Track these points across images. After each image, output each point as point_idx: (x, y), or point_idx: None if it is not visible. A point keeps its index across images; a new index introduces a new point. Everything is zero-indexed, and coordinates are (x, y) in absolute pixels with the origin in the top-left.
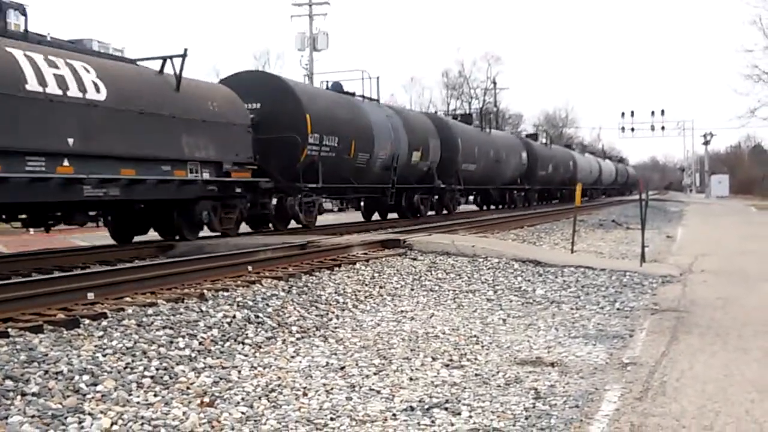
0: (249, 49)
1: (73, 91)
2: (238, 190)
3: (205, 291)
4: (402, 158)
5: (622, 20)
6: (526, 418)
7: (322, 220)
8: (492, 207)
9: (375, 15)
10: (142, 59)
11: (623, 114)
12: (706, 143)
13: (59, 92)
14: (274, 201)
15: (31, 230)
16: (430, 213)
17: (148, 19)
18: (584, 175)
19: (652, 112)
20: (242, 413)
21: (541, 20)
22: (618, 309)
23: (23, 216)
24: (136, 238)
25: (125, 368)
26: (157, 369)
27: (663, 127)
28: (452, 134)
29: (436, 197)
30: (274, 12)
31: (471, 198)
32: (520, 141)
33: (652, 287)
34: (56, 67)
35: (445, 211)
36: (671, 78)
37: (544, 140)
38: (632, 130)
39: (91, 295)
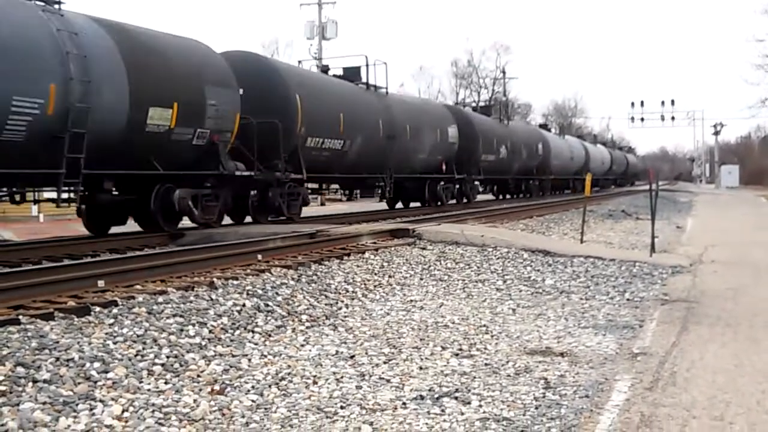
0: (258, 37)
1: None
2: None
3: (215, 279)
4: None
5: (632, 10)
6: (536, 408)
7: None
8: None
9: (384, 4)
10: None
11: (633, 104)
12: (717, 133)
13: None
14: None
15: (41, 218)
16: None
17: (155, 5)
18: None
19: (662, 102)
20: (252, 401)
21: (550, 9)
22: (628, 299)
23: None
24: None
25: (136, 356)
26: (167, 357)
27: (673, 117)
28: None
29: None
30: (283, 0)
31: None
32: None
33: (662, 278)
34: None
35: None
36: (681, 68)
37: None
38: (642, 120)
39: (101, 283)
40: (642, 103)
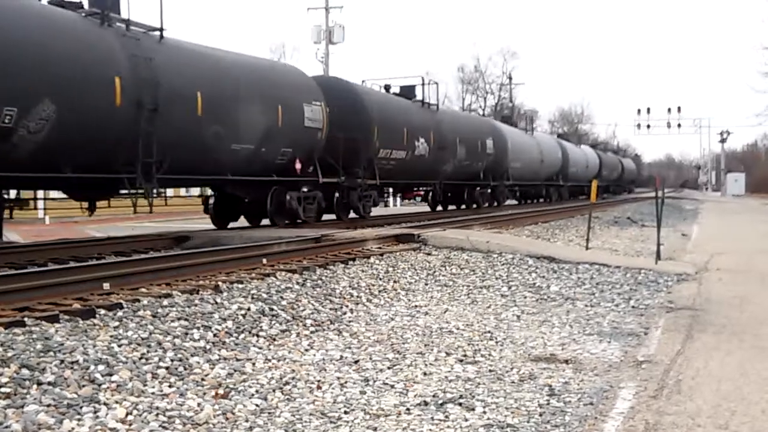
0: (265, 41)
1: None
2: None
3: (220, 283)
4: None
5: (639, 16)
6: (540, 415)
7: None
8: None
9: (391, 9)
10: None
11: (639, 111)
12: (723, 141)
13: None
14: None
15: (47, 220)
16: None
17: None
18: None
19: (669, 110)
20: (256, 405)
21: (557, 15)
22: (633, 307)
23: None
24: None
25: (140, 359)
26: (172, 360)
27: (679, 125)
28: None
29: (490, 191)
30: (290, 5)
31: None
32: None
33: (667, 285)
34: None
35: (495, 203)
36: (688, 75)
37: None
38: (648, 127)
39: (106, 286)
40: (648, 110)
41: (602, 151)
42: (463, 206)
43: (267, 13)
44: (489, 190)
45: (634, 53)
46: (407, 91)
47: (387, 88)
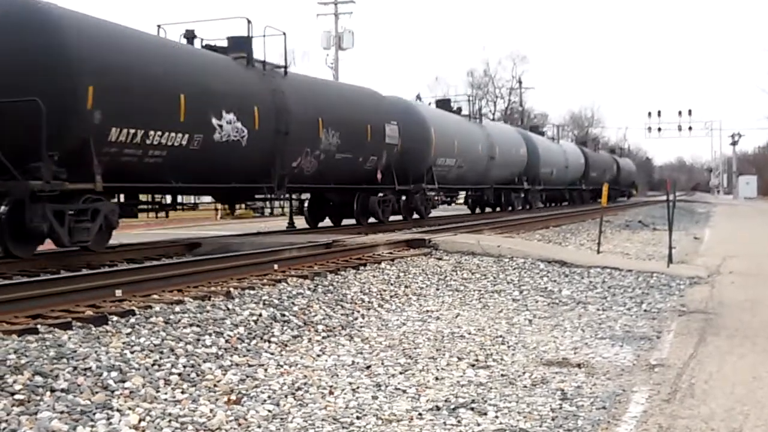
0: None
1: None
2: None
3: (231, 289)
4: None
5: (649, 19)
6: (553, 419)
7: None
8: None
9: (400, 14)
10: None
11: (650, 114)
12: (734, 144)
13: None
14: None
15: None
16: (519, 208)
17: (170, 17)
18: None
19: (680, 112)
20: (269, 411)
21: (567, 19)
22: (645, 310)
23: None
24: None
25: (153, 365)
26: (184, 366)
27: (690, 128)
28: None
29: (523, 195)
30: (299, 10)
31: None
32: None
33: (679, 288)
34: None
35: (528, 206)
36: (699, 78)
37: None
38: (659, 130)
39: (119, 293)
40: (659, 113)
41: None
42: (498, 209)
43: (276, 18)
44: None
45: (644, 56)
46: (444, 105)
47: (438, 104)
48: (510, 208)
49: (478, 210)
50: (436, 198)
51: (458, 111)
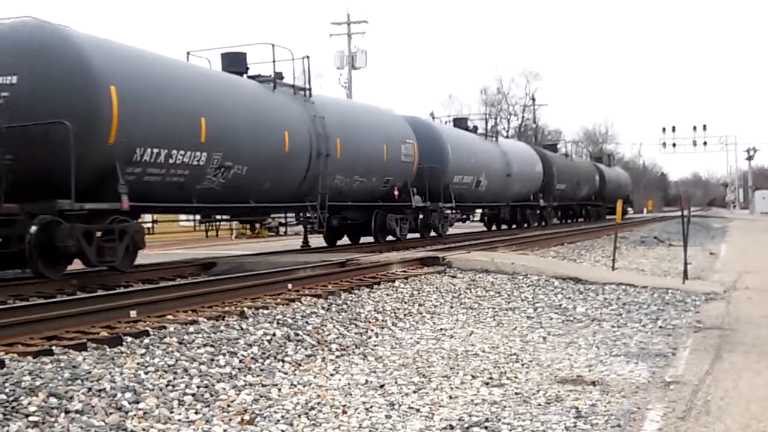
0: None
1: None
2: None
3: (245, 309)
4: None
5: (662, 34)
6: None
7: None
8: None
9: (413, 33)
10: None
11: (664, 129)
12: (750, 158)
13: None
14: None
15: None
16: (534, 224)
17: (185, 38)
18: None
19: (694, 127)
20: (282, 431)
21: (579, 35)
22: (660, 327)
23: None
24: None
25: (167, 386)
26: (198, 386)
27: (705, 143)
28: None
29: (538, 212)
30: (313, 31)
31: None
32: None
33: (695, 305)
34: None
35: (543, 223)
36: (713, 93)
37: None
38: (674, 145)
39: (133, 313)
40: (674, 129)
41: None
42: (514, 226)
43: (290, 38)
44: (538, 211)
45: (658, 72)
46: (461, 123)
47: (455, 122)
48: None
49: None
50: (452, 216)
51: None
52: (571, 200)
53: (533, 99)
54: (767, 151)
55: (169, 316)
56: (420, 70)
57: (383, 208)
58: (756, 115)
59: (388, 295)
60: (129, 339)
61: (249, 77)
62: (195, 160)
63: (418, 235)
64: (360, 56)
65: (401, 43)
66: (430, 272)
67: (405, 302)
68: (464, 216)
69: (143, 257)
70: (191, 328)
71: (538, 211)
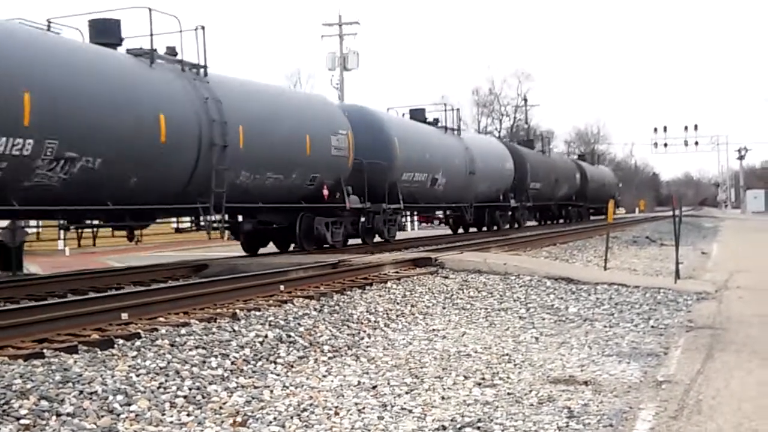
0: (281, 68)
1: None
2: None
3: (237, 311)
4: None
5: (653, 35)
6: None
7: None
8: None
9: (405, 34)
10: None
11: (656, 129)
12: (741, 158)
13: None
14: None
15: (67, 251)
16: (505, 227)
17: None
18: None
19: (686, 127)
20: None
21: (571, 36)
22: (652, 326)
23: None
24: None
25: (158, 388)
26: (189, 389)
27: (696, 143)
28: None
29: (510, 213)
30: (304, 32)
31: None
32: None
33: (687, 304)
34: None
35: (516, 225)
36: (704, 92)
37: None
38: (665, 145)
39: (125, 316)
40: (665, 129)
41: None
42: (485, 228)
43: (282, 40)
44: (510, 212)
45: (649, 72)
46: (419, 115)
47: (411, 114)
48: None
49: (461, 230)
50: (402, 218)
51: (435, 122)
52: (549, 200)
53: (525, 100)
54: (758, 151)
55: (161, 319)
56: (412, 71)
57: (310, 210)
58: (747, 115)
59: (380, 296)
60: (120, 341)
61: (128, 51)
62: (15, 149)
63: (359, 240)
64: (352, 57)
65: (393, 44)
66: (423, 273)
67: (397, 303)
68: (428, 217)
69: (135, 259)
70: (183, 330)
71: (510, 213)
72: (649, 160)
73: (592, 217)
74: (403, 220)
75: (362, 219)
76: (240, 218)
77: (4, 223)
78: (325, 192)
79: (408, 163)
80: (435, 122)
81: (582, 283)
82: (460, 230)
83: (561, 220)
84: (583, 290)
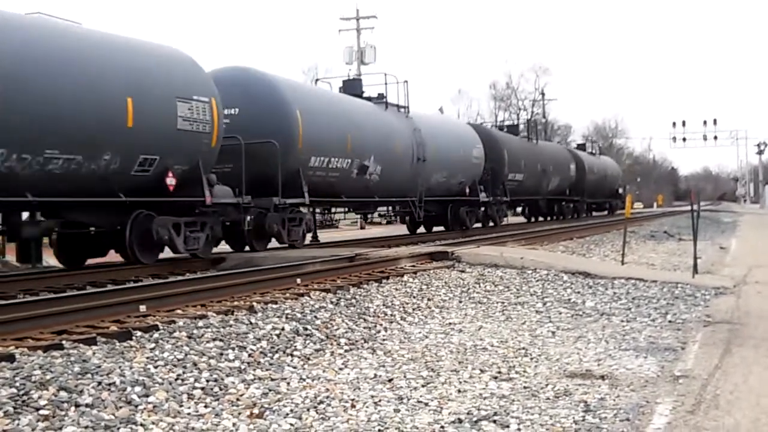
0: (298, 63)
1: None
2: None
3: (254, 303)
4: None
5: (673, 28)
6: (576, 431)
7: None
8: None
9: (422, 28)
10: None
11: (674, 124)
12: (760, 153)
13: None
14: None
15: None
16: (476, 225)
17: (196, 34)
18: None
19: (704, 122)
20: (291, 425)
21: (589, 30)
22: (670, 321)
23: None
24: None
25: (176, 380)
26: (207, 380)
27: (715, 137)
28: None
29: (482, 209)
30: (322, 26)
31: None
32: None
33: (704, 299)
34: None
35: (491, 224)
36: (723, 87)
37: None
38: (684, 140)
39: (143, 308)
40: (684, 123)
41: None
42: (441, 228)
43: (300, 34)
44: (482, 208)
45: (668, 66)
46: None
47: (507, 128)
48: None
49: (421, 229)
50: (309, 217)
51: (378, 98)
52: (534, 194)
53: (543, 94)
54: None
55: (179, 311)
56: (429, 66)
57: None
58: (766, 110)
59: (396, 289)
60: (138, 333)
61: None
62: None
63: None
64: (369, 51)
65: (410, 38)
66: (439, 267)
67: (414, 297)
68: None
69: None
70: (200, 323)
71: (482, 209)
72: (667, 155)
73: (594, 213)
74: (310, 218)
75: (248, 218)
76: (25, 216)
77: (25, 215)
78: (170, 180)
79: (318, 145)
80: (379, 97)
81: (599, 278)
82: (421, 229)
83: (552, 217)
84: (600, 284)
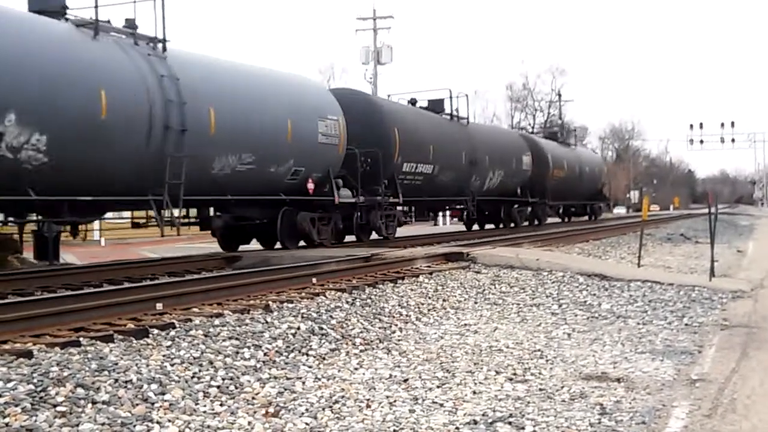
0: (315, 62)
1: None
2: None
3: (270, 302)
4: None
5: (690, 30)
6: None
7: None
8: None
9: (439, 28)
10: None
11: (692, 126)
12: None
13: None
14: None
15: (103, 242)
16: (524, 224)
17: (214, 33)
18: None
19: (722, 124)
20: (306, 424)
21: (606, 31)
22: (686, 324)
23: None
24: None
25: (192, 378)
26: (223, 379)
27: (733, 140)
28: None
29: (530, 209)
30: (339, 26)
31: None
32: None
33: (721, 302)
34: None
35: (536, 222)
36: (741, 89)
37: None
38: (701, 142)
39: (159, 306)
40: (701, 126)
41: None
42: (501, 225)
43: (316, 33)
44: (529, 208)
45: (686, 68)
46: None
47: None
48: (513, 225)
49: (476, 227)
50: (401, 213)
51: (439, 110)
52: (457, 195)
53: (559, 95)
54: None
55: (195, 309)
56: (446, 66)
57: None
58: None
59: (412, 290)
60: (155, 331)
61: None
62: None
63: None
64: (386, 51)
65: (427, 38)
66: (455, 267)
67: (429, 297)
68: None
69: (169, 250)
70: (217, 321)
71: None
72: (684, 157)
73: (574, 219)
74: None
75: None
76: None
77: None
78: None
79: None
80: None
81: (615, 280)
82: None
83: (585, 216)
84: (616, 287)
